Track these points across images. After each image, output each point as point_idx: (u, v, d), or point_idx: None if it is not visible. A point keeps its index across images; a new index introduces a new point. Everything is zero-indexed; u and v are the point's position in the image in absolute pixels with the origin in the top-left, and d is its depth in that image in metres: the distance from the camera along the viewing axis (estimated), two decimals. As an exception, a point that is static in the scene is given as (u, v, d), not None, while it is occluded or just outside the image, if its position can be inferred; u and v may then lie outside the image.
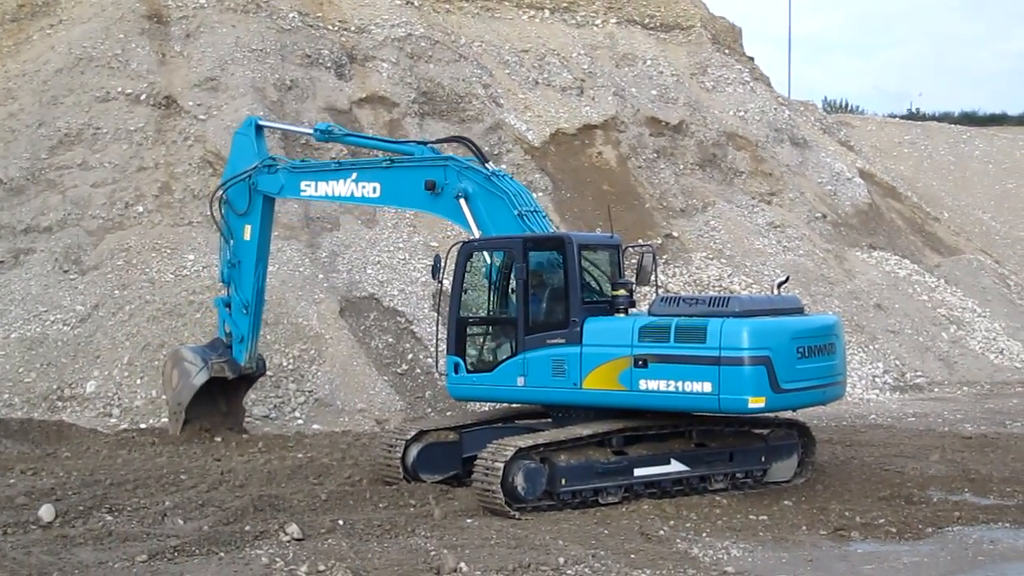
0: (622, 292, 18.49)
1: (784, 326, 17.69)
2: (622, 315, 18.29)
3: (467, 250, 18.80)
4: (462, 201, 19.34)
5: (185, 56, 32.42)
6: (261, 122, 23.19)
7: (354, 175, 21.00)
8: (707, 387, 16.95)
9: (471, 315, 19.09)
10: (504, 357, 18.39)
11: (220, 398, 23.07)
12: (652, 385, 17.30)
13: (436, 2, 39.76)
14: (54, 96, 30.76)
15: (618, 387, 17.52)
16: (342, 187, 21.12)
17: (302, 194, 22.03)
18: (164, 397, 23.39)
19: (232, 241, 22.43)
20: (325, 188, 21.38)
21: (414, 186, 20.04)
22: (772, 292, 19.59)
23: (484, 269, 19.12)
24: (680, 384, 17.13)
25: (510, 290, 18.64)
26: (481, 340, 19.09)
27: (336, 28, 35.92)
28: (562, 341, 17.88)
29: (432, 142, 21.58)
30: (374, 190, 20.78)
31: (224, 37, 32.98)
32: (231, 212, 22.40)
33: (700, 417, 18.54)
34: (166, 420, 23.86)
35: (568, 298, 17.98)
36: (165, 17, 33.16)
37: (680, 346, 17.18)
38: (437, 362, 19.75)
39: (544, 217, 19.58)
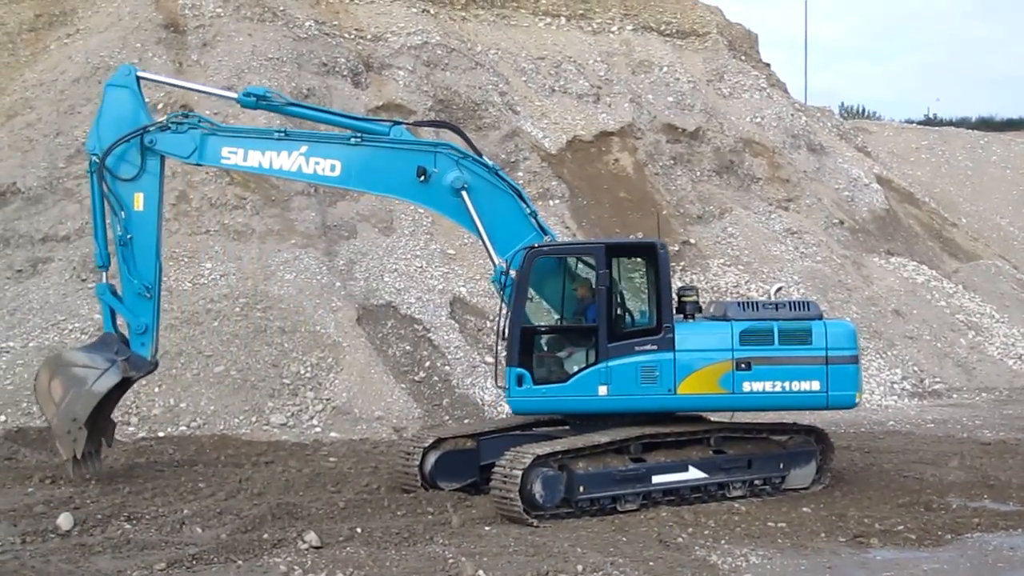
0: (692, 298, 18.72)
1: (855, 328, 19.02)
2: (709, 321, 18.63)
3: (534, 256, 17.98)
4: (464, 195, 18.35)
5: (202, 65, 32.47)
6: (142, 74, 20.01)
7: (304, 148, 18.64)
8: (815, 386, 18.02)
9: (538, 325, 18.47)
10: (581, 367, 17.92)
11: (100, 411, 19.21)
12: (756, 387, 17.93)
13: (452, 10, 39.80)
14: (71, 105, 30.80)
15: (719, 391, 17.90)
16: (284, 160, 18.65)
17: (223, 162, 19.24)
18: (43, 419, 20.20)
19: (123, 214, 18.93)
20: (258, 158, 18.77)
21: (391, 169, 18.59)
22: (770, 298, 19.86)
23: (553, 276, 18.59)
24: (787, 384, 17.94)
25: (587, 297, 18.32)
26: (551, 350, 18.43)
27: (352, 36, 35.96)
28: (653, 348, 17.82)
29: (411, 124, 20.70)
30: (332, 168, 18.64)
31: (241, 46, 33.02)
32: (114, 179, 18.92)
33: (719, 424, 18.69)
34: (184, 428, 23.86)
35: (660, 304, 17.96)
36: (182, 26, 33.21)
37: (785, 348, 17.97)
38: (496, 375, 18.84)
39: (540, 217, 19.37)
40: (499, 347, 18.60)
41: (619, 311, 18.51)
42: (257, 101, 19.40)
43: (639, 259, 18.84)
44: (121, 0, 33.79)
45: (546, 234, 18.69)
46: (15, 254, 28.34)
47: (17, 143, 30.38)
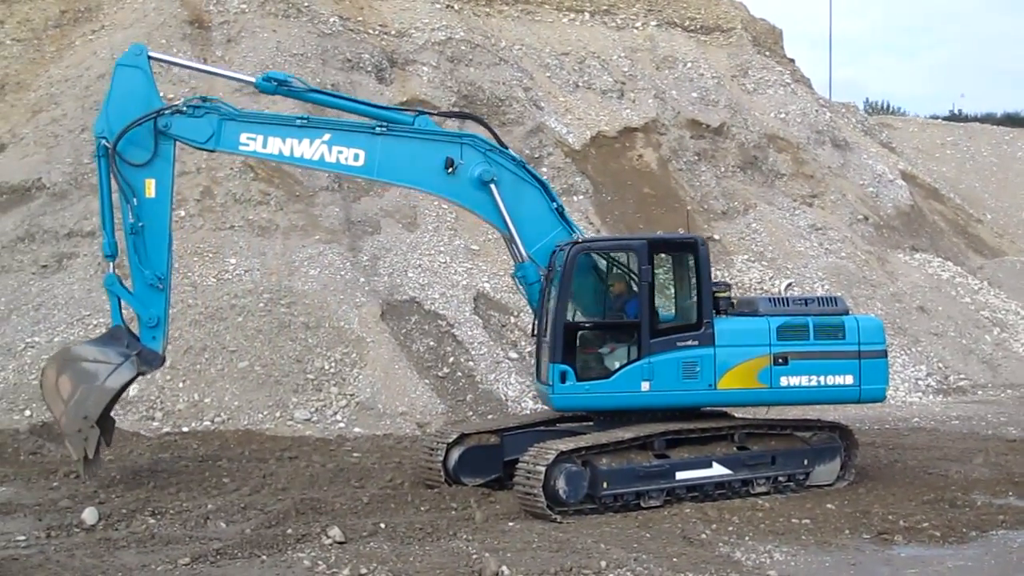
0: (726, 294, 18.74)
1: (882, 323, 19.35)
2: (743, 316, 18.64)
3: (577, 251, 17.91)
4: (493, 187, 18.23)
5: (227, 61, 32.52)
6: (153, 54, 18.63)
7: (327, 136, 18.06)
8: (849, 380, 18.39)
9: (581, 320, 18.36)
10: (624, 363, 17.84)
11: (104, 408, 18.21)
12: (793, 381, 18.19)
13: (476, 5, 39.81)
14: (96, 101, 30.78)
15: (758, 385, 18.06)
16: (306, 148, 18.03)
17: (241, 149, 18.43)
18: (50, 416, 19.57)
19: (134, 201, 17.90)
20: (279, 146, 18.05)
21: (417, 159, 18.22)
22: (780, 294, 20.03)
23: (596, 272, 18.63)
24: (822, 378, 18.25)
25: (624, 293, 18.38)
26: (594, 346, 18.31)
27: (377, 32, 35.99)
28: (694, 343, 17.86)
29: (435, 113, 20.45)
30: (355, 158, 18.10)
31: (265, 42, 33.09)
32: (124, 164, 17.84)
33: (744, 421, 18.66)
34: (208, 423, 23.89)
35: (700, 300, 18.00)
36: (207, 22, 33.30)
37: (820, 343, 18.25)
38: (539, 371, 18.70)
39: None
40: (536, 344, 18.64)
41: (667, 306, 18.62)
42: (277, 86, 18.68)
43: (664, 255, 18.83)
44: (146, -4, 33.94)
45: (572, 229, 18.69)
46: (40, 249, 28.46)
47: (42, 139, 30.51)
